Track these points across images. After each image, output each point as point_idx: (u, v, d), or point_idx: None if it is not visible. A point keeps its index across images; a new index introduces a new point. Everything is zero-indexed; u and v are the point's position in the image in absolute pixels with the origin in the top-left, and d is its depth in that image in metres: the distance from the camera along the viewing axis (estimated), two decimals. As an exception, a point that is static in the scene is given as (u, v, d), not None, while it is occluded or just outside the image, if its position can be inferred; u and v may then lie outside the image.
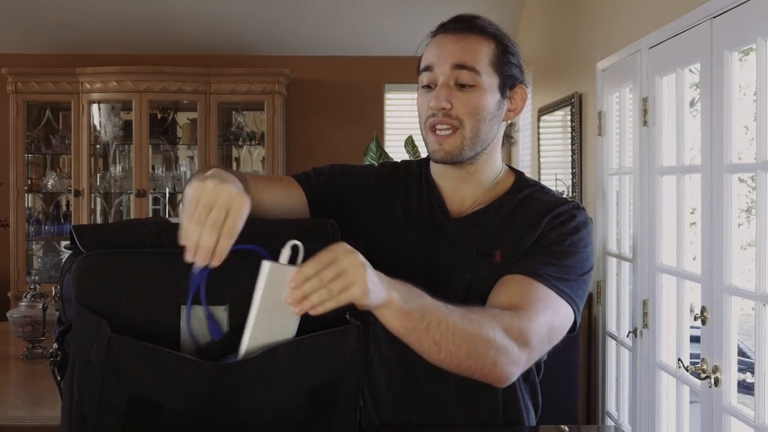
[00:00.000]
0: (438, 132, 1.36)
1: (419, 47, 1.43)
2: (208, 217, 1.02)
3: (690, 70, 2.55)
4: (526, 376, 1.43)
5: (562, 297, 1.30)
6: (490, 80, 1.36)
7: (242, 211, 1.04)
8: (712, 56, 2.25)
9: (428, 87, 1.38)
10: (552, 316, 1.28)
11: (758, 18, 2.01)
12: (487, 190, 1.43)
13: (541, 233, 1.36)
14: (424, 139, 1.40)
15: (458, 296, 1.34)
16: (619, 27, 3.14)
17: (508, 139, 1.47)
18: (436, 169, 1.46)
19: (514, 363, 1.21)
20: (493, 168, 1.44)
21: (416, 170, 1.49)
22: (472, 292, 1.35)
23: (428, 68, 1.37)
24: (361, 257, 1.06)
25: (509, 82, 1.39)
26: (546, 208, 1.39)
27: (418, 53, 1.43)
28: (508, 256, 1.35)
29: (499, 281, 1.32)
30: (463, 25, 1.38)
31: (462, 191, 1.43)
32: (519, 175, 1.48)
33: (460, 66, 1.34)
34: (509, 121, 1.44)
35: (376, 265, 1.30)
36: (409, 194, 1.46)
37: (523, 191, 1.43)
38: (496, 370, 1.20)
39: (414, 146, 4.53)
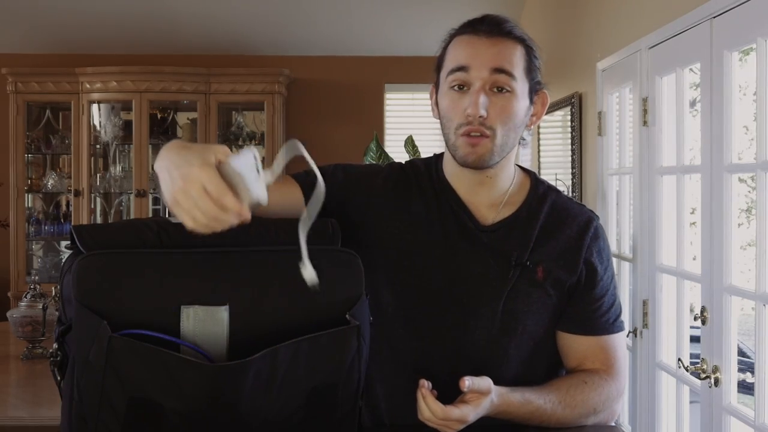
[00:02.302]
0: (471, 135, 1.33)
1: (436, 46, 1.39)
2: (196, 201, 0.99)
3: (690, 70, 2.55)
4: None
5: (623, 329, 1.46)
6: (522, 87, 1.34)
7: (212, 164, 1.00)
8: (712, 56, 2.25)
9: (459, 87, 1.34)
10: (625, 349, 1.47)
11: (758, 18, 2.01)
12: (506, 194, 1.42)
13: (585, 261, 1.41)
14: (453, 143, 1.36)
15: (497, 307, 1.37)
16: (619, 27, 3.14)
17: (522, 140, 1.45)
18: (451, 171, 1.43)
19: (614, 411, 1.42)
20: (509, 171, 1.43)
21: (424, 170, 1.46)
22: (508, 303, 1.37)
23: (462, 68, 1.33)
24: (474, 419, 1.24)
25: (536, 87, 1.38)
26: (578, 223, 1.42)
27: (435, 52, 1.39)
28: (550, 275, 1.39)
29: (572, 342, 1.42)
30: (496, 28, 1.34)
31: (479, 195, 1.42)
32: (533, 176, 1.48)
33: (498, 70, 1.31)
34: (531, 127, 1.43)
35: (399, 271, 1.37)
36: (425, 197, 1.43)
37: (546, 198, 1.44)
38: (601, 423, 1.40)
39: (414, 146, 4.53)
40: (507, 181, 1.43)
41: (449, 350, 1.37)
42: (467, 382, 1.22)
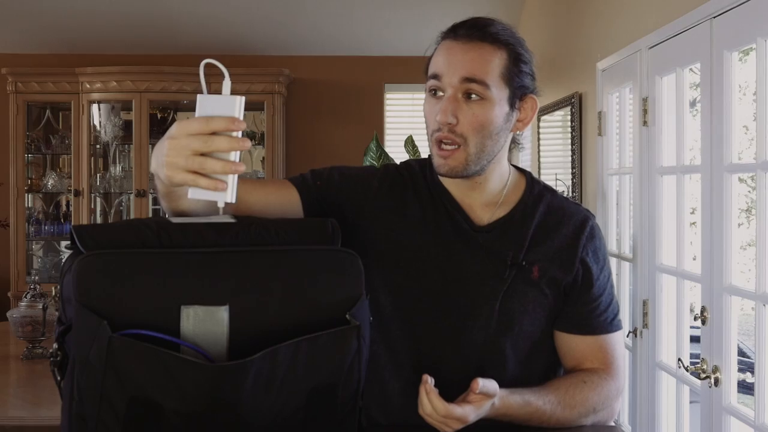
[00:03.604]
0: (443, 147, 1.33)
1: (428, 48, 1.38)
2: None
3: (690, 70, 2.55)
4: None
5: (620, 328, 1.46)
6: (499, 93, 1.32)
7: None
8: (712, 56, 2.25)
9: (434, 93, 1.34)
10: (623, 348, 1.47)
11: (758, 18, 2.01)
12: (501, 195, 1.42)
13: (581, 260, 1.41)
14: (430, 150, 1.37)
15: (493, 307, 1.37)
16: (619, 27, 3.14)
17: (516, 144, 1.44)
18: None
19: (613, 410, 1.42)
20: (501, 174, 1.42)
21: (419, 171, 1.46)
22: (505, 303, 1.37)
23: (436, 76, 1.33)
24: (474, 420, 1.24)
25: (520, 92, 1.35)
26: (574, 223, 1.42)
27: (426, 53, 1.38)
28: (545, 274, 1.39)
29: (571, 342, 1.42)
30: (476, 33, 1.32)
31: (472, 197, 1.41)
32: (529, 176, 1.48)
33: (469, 79, 1.30)
34: (518, 132, 1.41)
35: (395, 273, 1.38)
36: (420, 199, 1.43)
37: (542, 198, 1.44)
38: (600, 423, 1.40)
39: (414, 146, 4.53)
40: (500, 182, 1.42)
41: (447, 351, 1.37)
42: (480, 383, 1.22)
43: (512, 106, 1.35)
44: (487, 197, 1.42)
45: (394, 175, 1.46)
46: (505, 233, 1.40)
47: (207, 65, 1.07)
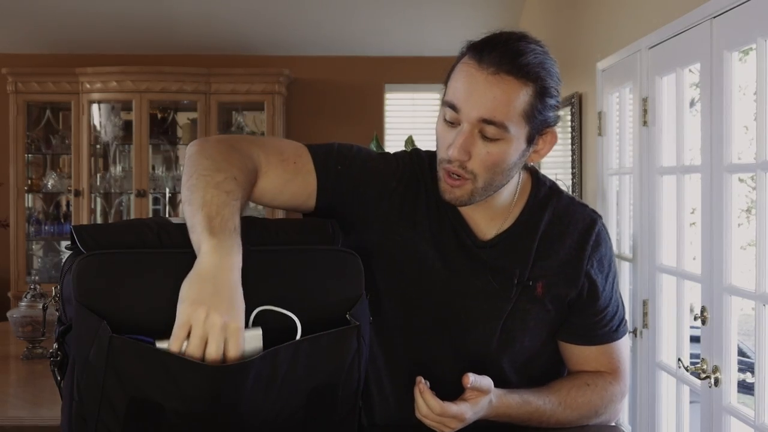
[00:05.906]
0: (451, 175, 1.28)
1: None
2: (207, 354, 1.03)
3: (690, 70, 2.55)
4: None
5: (626, 332, 1.46)
6: (518, 132, 1.25)
7: (239, 339, 1.05)
8: (712, 56, 2.25)
9: (450, 122, 1.27)
10: (628, 351, 1.47)
11: (758, 18, 2.01)
12: (510, 207, 1.37)
13: (586, 273, 1.37)
14: (438, 173, 1.31)
15: (495, 327, 1.35)
16: (619, 27, 3.14)
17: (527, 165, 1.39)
18: None
19: (616, 412, 1.42)
20: (510, 188, 1.37)
21: (429, 172, 1.38)
22: (507, 322, 1.35)
23: (453, 107, 1.25)
24: (472, 419, 1.24)
25: (540, 128, 1.28)
26: (579, 231, 1.38)
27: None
28: (549, 290, 1.36)
29: (575, 350, 1.41)
30: (506, 64, 1.22)
31: (477, 212, 1.36)
32: (535, 176, 1.42)
33: (488, 121, 1.23)
34: (532, 162, 1.36)
35: (399, 279, 1.35)
36: (429, 207, 1.37)
37: (547, 203, 1.39)
38: (603, 422, 1.40)
39: (414, 147, 4.52)
40: (509, 196, 1.37)
41: (444, 361, 1.35)
42: (471, 378, 1.21)
43: (530, 142, 1.29)
44: (495, 211, 1.37)
45: (410, 176, 1.39)
46: (508, 249, 1.36)
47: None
